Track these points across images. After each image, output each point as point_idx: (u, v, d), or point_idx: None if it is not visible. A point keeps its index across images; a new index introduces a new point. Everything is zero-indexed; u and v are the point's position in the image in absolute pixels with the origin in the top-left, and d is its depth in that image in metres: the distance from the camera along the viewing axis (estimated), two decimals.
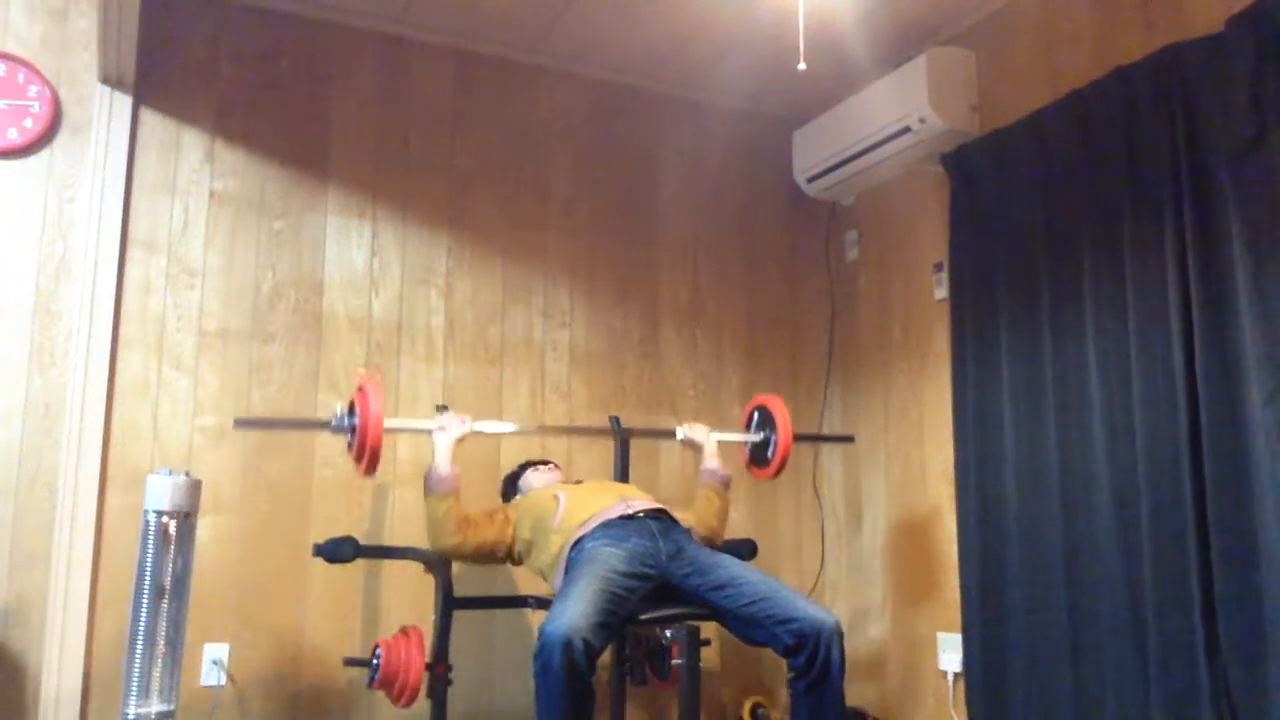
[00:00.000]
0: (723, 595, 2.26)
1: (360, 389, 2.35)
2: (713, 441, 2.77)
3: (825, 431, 3.68)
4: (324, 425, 2.42)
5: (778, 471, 2.82)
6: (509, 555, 2.54)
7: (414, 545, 2.80)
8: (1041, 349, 2.71)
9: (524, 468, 2.85)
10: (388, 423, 2.34)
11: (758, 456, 2.88)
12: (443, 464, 2.40)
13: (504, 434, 3.09)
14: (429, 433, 2.47)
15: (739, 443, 2.92)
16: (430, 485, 2.41)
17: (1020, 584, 2.72)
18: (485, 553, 2.48)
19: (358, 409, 2.33)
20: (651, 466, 3.34)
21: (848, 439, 3.45)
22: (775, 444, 2.79)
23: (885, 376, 3.44)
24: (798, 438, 2.84)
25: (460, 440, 2.45)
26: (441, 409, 2.81)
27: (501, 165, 3.33)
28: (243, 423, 2.37)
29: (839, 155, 3.32)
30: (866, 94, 3.22)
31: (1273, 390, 2.11)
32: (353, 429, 2.34)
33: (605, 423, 3.17)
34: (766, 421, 2.85)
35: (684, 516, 2.58)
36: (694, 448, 2.80)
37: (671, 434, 2.84)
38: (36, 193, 2.74)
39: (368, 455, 2.29)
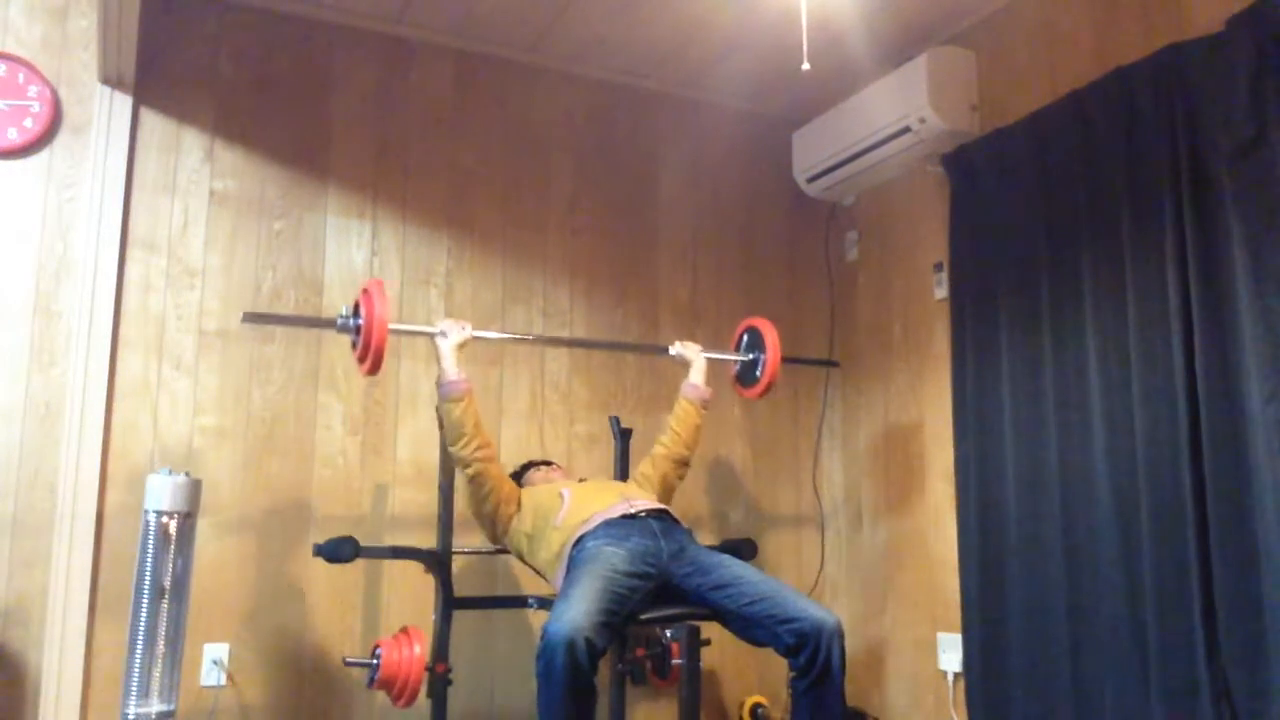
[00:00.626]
0: (724, 595, 2.26)
1: (365, 291, 2.44)
2: (702, 359, 2.88)
3: (823, 436, 3.68)
4: (330, 324, 2.50)
5: (765, 391, 2.93)
6: (502, 526, 2.55)
7: (414, 545, 2.80)
8: (1041, 349, 2.71)
9: (526, 467, 2.85)
10: (391, 324, 2.44)
11: (745, 376, 3.00)
12: (450, 369, 2.49)
13: (505, 339, 3.14)
14: (431, 336, 2.55)
15: (729, 361, 3.03)
16: (444, 390, 2.48)
17: (1020, 584, 2.72)
18: (488, 490, 2.51)
19: (363, 309, 2.42)
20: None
21: (832, 363, 3.59)
22: (764, 364, 2.91)
23: (885, 376, 3.44)
24: (785, 359, 2.94)
25: (461, 345, 2.53)
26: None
27: (501, 165, 3.33)
28: (251, 317, 2.46)
29: (839, 155, 3.32)
30: (866, 94, 3.22)
31: (1273, 390, 2.11)
32: (358, 329, 2.43)
33: (605, 424, 3.17)
34: (756, 343, 2.96)
35: (663, 439, 2.77)
36: (684, 364, 2.89)
37: (664, 350, 2.94)
38: (36, 193, 2.74)
39: (372, 355, 2.39)
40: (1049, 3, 2.89)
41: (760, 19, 3.09)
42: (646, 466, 2.77)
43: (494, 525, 2.57)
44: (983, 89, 3.07)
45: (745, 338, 3.02)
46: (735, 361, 3.02)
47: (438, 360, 2.52)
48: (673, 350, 2.91)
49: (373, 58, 3.19)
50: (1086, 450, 2.56)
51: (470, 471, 2.50)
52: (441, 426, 2.55)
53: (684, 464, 2.81)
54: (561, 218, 3.40)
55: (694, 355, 2.88)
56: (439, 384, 2.50)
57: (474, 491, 2.53)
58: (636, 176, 3.55)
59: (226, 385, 2.87)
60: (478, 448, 2.48)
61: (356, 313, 2.46)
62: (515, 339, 3.19)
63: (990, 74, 3.06)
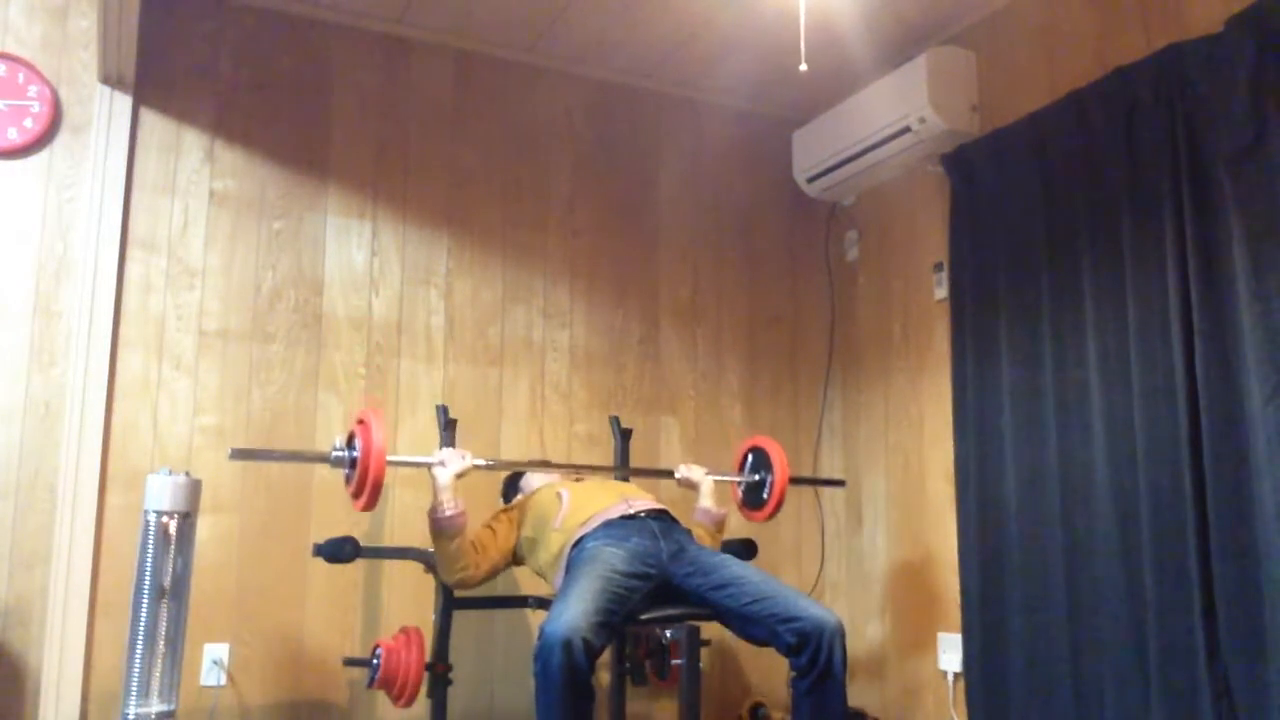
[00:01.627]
0: (724, 595, 2.26)
1: (361, 420, 2.25)
2: (709, 482, 2.74)
3: (823, 436, 3.68)
4: (323, 458, 2.33)
5: (772, 514, 2.79)
6: (505, 566, 2.55)
7: (414, 545, 2.80)
8: (1041, 349, 2.71)
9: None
10: (390, 457, 2.25)
11: (752, 498, 2.85)
12: (447, 504, 2.35)
13: (497, 463, 2.87)
14: (429, 467, 2.39)
15: (734, 483, 2.88)
16: (438, 526, 2.36)
17: (1020, 584, 2.72)
18: (492, 574, 2.50)
19: (359, 441, 2.22)
20: (650, 464, 3.33)
21: (839, 483, 3.45)
22: (771, 485, 2.76)
23: (885, 376, 3.44)
24: (793, 480, 2.83)
25: (460, 475, 2.40)
26: (442, 409, 2.81)
27: (501, 165, 3.33)
28: (239, 453, 2.26)
29: (839, 155, 3.32)
30: (866, 94, 3.22)
31: (1273, 390, 2.11)
32: (353, 462, 2.24)
33: (606, 425, 3.17)
34: (762, 463, 2.82)
35: None
36: (690, 487, 2.76)
37: (669, 474, 2.80)
38: (36, 193, 2.74)
39: (369, 490, 2.19)
40: (1049, 3, 2.89)
41: (760, 19, 3.09)
42: None
43: (517, 565, 2.58)
44: (983, 89, 3.07)
45: (750, 458, 2.87)
46: (740, 483, 2.87)
47: (433, 490, 2.37)
48: (678, 474, 2.76)
49: (373, 58, 3.19)
50: (1086, 450, 2.55)
51: (472, 584, 2.46)
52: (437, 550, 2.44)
53: None
54: (561, 218, 3.40)
55: (700, 478, 2.74)
56: (432, 517, 2.36)
57: (489, 579, 2.50)
58: (636, 176, 3.55)
59: (226, 385, 2.87)
60: (469, 577, 2.42)
61: (351, 444, 2.26)
62: (518, 465, 2.95)
63: (990, 74, 3.06)
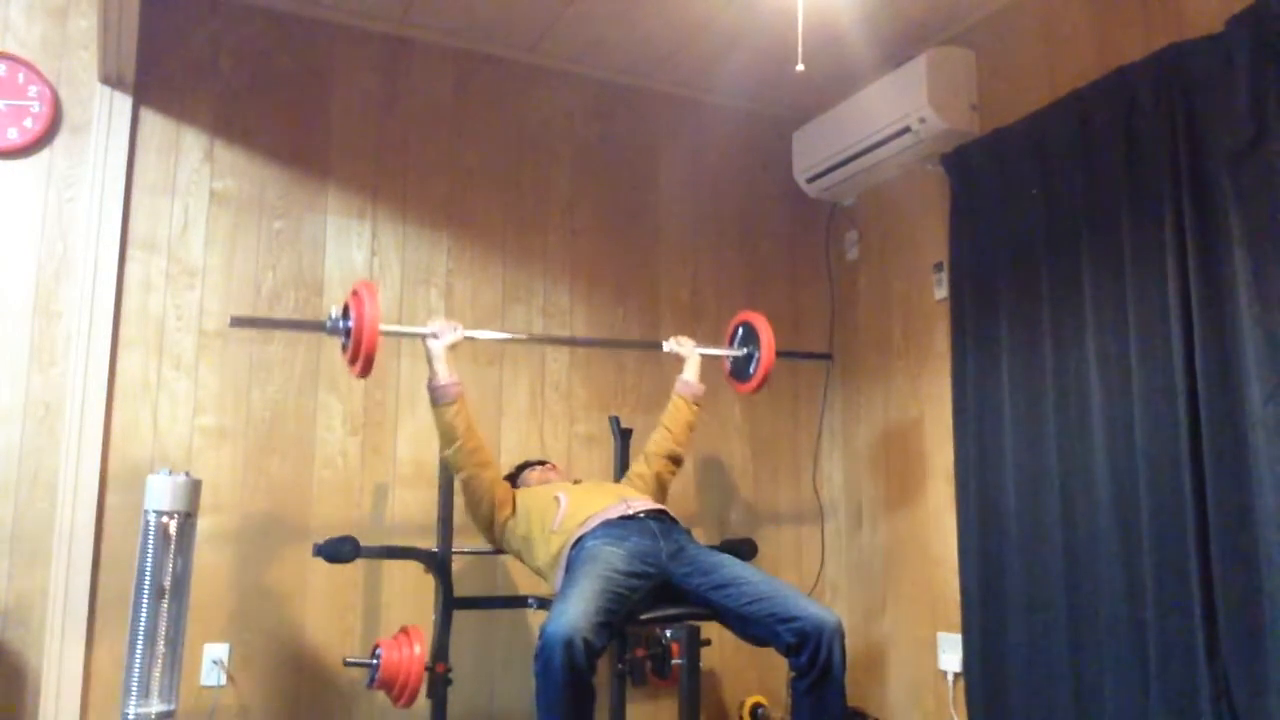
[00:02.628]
0: (724, 594, 2.26)
1: (354, 292, 2.39)
2: (697, 355, 2.87)
3: (823, 435, 3.68)
4: (319, 326, 2.47)
5: (759, 386, 2.92)
6: (496, 529, 2.56)
7: (414, 545, 2.80)
8: (1041, 349, 2.71)
9: (521, 468, 2.85)
10: (382, 326, 2.39)
11: (739, 371, 2.99)
12: (441, 372, 2.45)
13: (499, 339, 3.08)
14: (422, 337, 2.50)
15: (723, 356, 3.01)
16: (435, 395, 2.45)
17: (1020, 584, 2.72)
18: (482, 495, 2.51)
19: (353, 311, 2.37)
20: None
21: (825, 356, 3.59)
22: (758, 359, 2.89)
23: (885, 376, 3.44)
24: (779, 354, 2.93)
25: (453, 346, 2.50)
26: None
27: (501, 165, 3.33)
28: (239, 320, 2.44)
29: (839, 155, 3.32)
30: (866, 94, 3.22)
31: (1273, 390, 2.11)
32: (348, 331, 2.39)
33: (605, 424, 3.17)
34: (750, 337, 2.95)
35: (656, 436, 2.78)
36: (679, 359, 2.89)
37: (658, 346, 2.94)
38: (36, 193, 2.74)
39: (362, 357, 2.35)
40: (1049, 3, 2.89)
41: (760, 19, 3.09)
42: (640, 465, 2.78)
43: (489, 528, 2.58)
44: (983, 89, 3.07)
45: (740, 332, 3.01)
46: (729, 356, 3.01)
47: (428, 362, 2.49)
48: (667, 346, 2.90)
49: (373, 58, 3.19)
50: (1086, 450, 2.55)
51: (463, 475, 2.50)
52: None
53: (677, 461, 2.81)
54: (561, 218, 3.40)
55: (688, 351, 2.87)
56: (429, 387, 2.47)
57: (468, 496, 2.53)
58: (636, 176, 3.55)
59: (226, 385, 2.87)
60: (471, 451, 2.47)
61: (346, 315, 2.42)
62: (510, 339, 3.16)
63: (990, 74, 3.06)
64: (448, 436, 2.46)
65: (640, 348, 3.35)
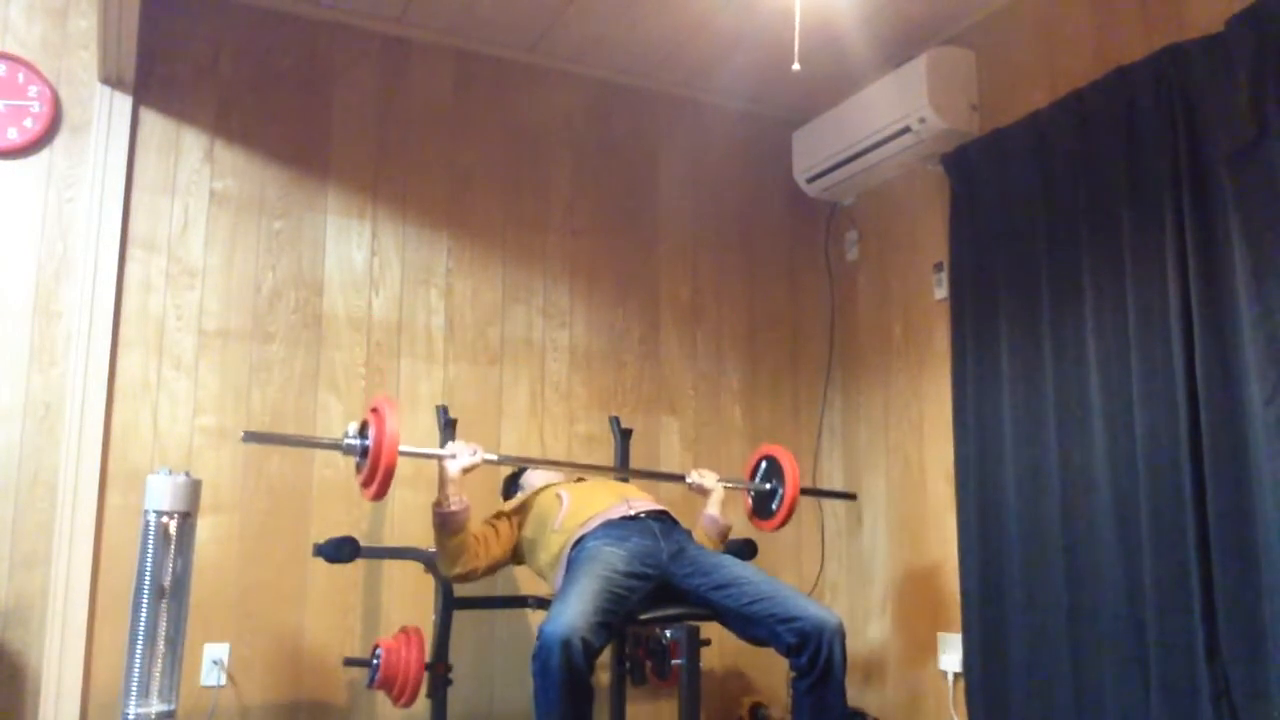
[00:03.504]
0: (724, 595, 2.26)
1: (375, 409, 2.23)
2: (720, 490, 2.73)
3: (823, 435, 3.68)
4: (335, 445, 2.31)
5: (782, 524, 2.80)
6: (504, 563, 2.55)
7: (414, 545, 2.80)
8: (1041, 349, 2.71)
9: (523, 468, 2.85)
10: (402, 447, 2.22)
11: (761, 507, 2.86)
12: (453, 498, 2.32)
13: (506, 458, 2.85)
14: (439, 459, 2.37)
15: (745, 490, 2.90)
16: (442, 521, 2.33)
17: (1020, 584, 2.72)
18: (498, 568, 2.50)
19: (373, 430, 2.20)
20: (650, 464, 3.33)
21: (850, 496, 3.41)
22: (782, 496, 2.77)
23: (885, 376, 3.44)
24: (804, 491, 2.83)
25: (468, 470, 2.36)
26: (442, 409, 2.82)
27: (501, 165, 3.33)
28: (251, 436, 2.25)
29: (839, 155, 3.32)
30: (866, 94, 3.22)
31: (1273, 390, 2.11)
32: (364, 450, 2.22)
33: (606, 424, 3.17)
34: (774, 472, 2.83)
35: None
36: (701, 493, 2.75)
37: (680, 478, 2.80)
38: (36, 193, 2.74)
39: (379, 479, 2.17)
40: (1049, 3, 2.89)
41: (760, 19, 3.09)
42: None
43: (513, 562, 2.57)
44: (983, 89, 3.07)
45: (763, 465, 2.88)
46: (751, 490, 2.89)
47: (440, 484, 2.35)
48: (689, 479, 2.75)
49: (373, 57, 3.19)
50: (1086, 450, 2.55)
51: (472, 579, 2.45)
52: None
53: None
54: (561, 218, 3.40)
55: (711, 484, 2.72)
56: (436, 509, 2.34)
57: (478, 577, 2.47)
58: (636, 176, 3.55)
59: (226, 385, 2.87)
60: (470, 571, 2.40)
61: (364, 433, 2.24)
62: (526, 460, 2.97)
63: (990, 74, 3.06)
64: (450, 562, 2.37)
65: (662, 479, 3.13)
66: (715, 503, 2.71)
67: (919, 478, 3.25)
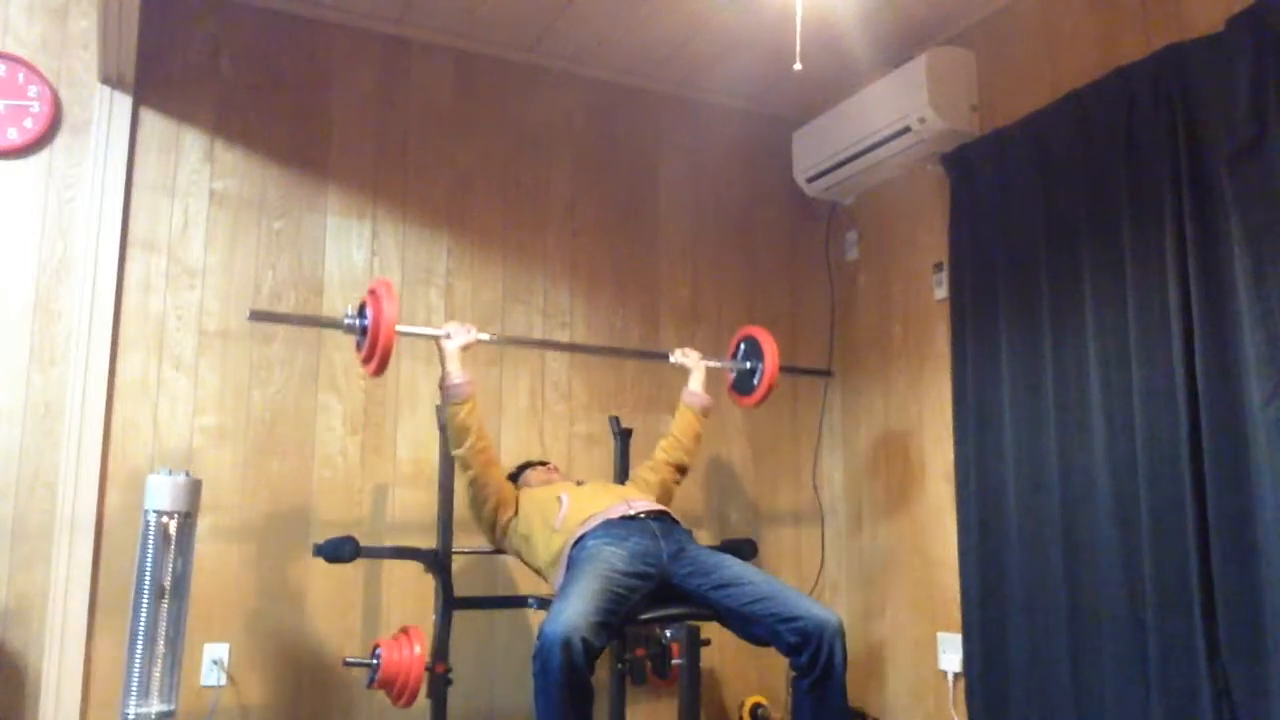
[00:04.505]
0: (725, 594, 2.26)
1: (372, 291, 2.41)
2: (702, 367, 2.91)
3: (823, 435, 3.68)
4: (336, 324, 2.48)
5: (762, 400, 2.97)
6: (499, 528, 2.57)
7: (414, 545, 2.80)
8: (1041, 349, 2.71)
9: (523, 468, 2.86)
10: (399, 326, 2.41)
11: (742, 384, 3.03)
12: (455, 372, 2.48)
13: (507, 337, 3.19)
14: (436, 339, 2.54)
15: (727, 369, 3.06)
16: (448, 394, 2.48)
17: (1020, 584, 2.72)
18: (487, 494, 2.53)
19: (370, 310, 2.39)
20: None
21: (825, 372, 3.59)
22: (761, 372, 2.94)
23: (885, 376, 3.44)
24: (782, 368, 2.96)
25: (466, 348, 2.53)
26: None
27: (501, 165, 3.33)
28: (258, 315, 2.48)
29: (839, 155, 3.32)
30: (866, 94, 3.22)
31: (1273, 390, 2.11)
32: (363, 329, 2.41)
33: (606, 424, 3.17)
34: (753, 351, 2.99)
35: (663, 445, 2.81)
36: (684, 371, 2.92)
37: (664, 356, 2.97)
38: (36, 193, 2.74)
39: (378, 356, 2.37)
40: (1049, 3, 2.89)
41: (760, 18, 3.09)
42: (646, 471, 2.79)
43: (492, 528, 2.58)
44: (983, 89, 3.07)
45: (743, 346, 3.05)
46: (733, 369, 3.04)
47: (441, 362, 2.52)
48: (673, 358, 2.93)
49: (373, 57, 3.19)
50: (1086, 450, 2.56)
51: (471, 474, 2.51)
52: (443, 428, 2.55)
53: (683, 470, 2.84)
54: (561, 218, 3.40)
55: (694, 363, 2.91)
56: (442, 386, 2.50)
57: (473, 494, 2.54)
58: (636, 177, 3.55)
59: (226, 385, 2.87)
60: (480, 450, 2.50)
61: (363, 313, 2.44)
62: (517, 341, 3.19)
63: (990, 74, 3.06)
64: (459, 435, 2.48)
65: (645, 358, 3.35)
66: (697, 378, 2.89)
67: (919, 478, 3.25)
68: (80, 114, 2.79)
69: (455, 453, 2.52)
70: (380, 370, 2.41)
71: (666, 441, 2.83)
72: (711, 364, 2.96)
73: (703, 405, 2.86)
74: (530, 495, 2.62)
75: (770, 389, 2.93)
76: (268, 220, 2.99)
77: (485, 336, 2.63)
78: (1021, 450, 2.75)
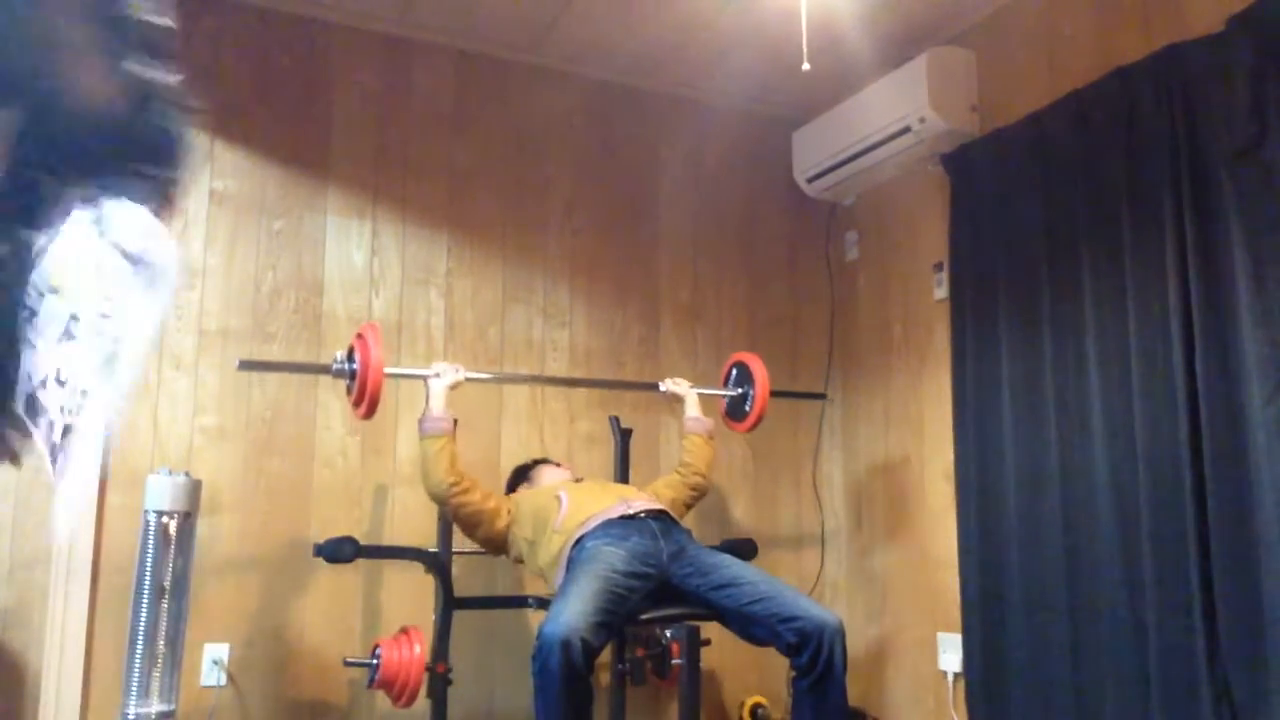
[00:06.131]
0: (724, 594, 2.26)
1: (360, 335, 2.45)
2: (694, 394, 2.91)
3: (823, 435, 3.68)
4: (325, 369, 2.52)
5: (754, 425, 2.98)
6: (500, 542, 2.56)
7: (414, 545, 2.80)
8: (1041, 349, 2.71)
9: (537, 463, 2.87)
10: (387, 369, 2.45)
11: (735, 410, 3.04)
12: (436, 408, 2.50)
13: (494, 375, 3.17)
14: (425, 379, 2.56)
15: (719, 396, 3.06)
16: (425, 428, 2.49)
17: (1020, 584, 2.72)
18: (474, 517, 2.50)
19: (358, 355, 2.43)
20: (650, 463, 3.33)
21: (820, 396, 3.57)
22: (753, 398, 2.95)
23: (885, 376, 3.44)
24: (774, 394, 2.97)
25: (453, 387, 2.56)
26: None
27: (501, 165, 3.33)
28: (247, 364, 2.52)
29: (839, 155, 3.32)
30: (866, 94, 3.22)
31: (1273, 390, 2.11)
32: (353, 374, 2.45)
33: (606, 424, 3.17)
34: (745, 377, 3.01)
35: (681, 474, 2.78)
36: (676, 400, 2.93)
37: (654, 387, 2.99)
38: None
39: (367, 400, 2.40)
40: (1049, 3, 2.89)
41: (760, 19, 3.09)
42: (662, 487, 2.77)
43: (493, 545, 2.58)
44: (983, 89, 3.07)
45: (734, 372, 3.06)
46: (725, 396, 3.06)
47: (426, 399, 2.54)
48: (663, 387, 2.95)
49: (373, 58, 3.19)
50: (1086, 450, 2.55)
51: (450, 509, 2.50)
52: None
53: (701, 492, 2.82)
54: (561, 217, 3.40)
55: (685, 391, 2.91)
56: (421, 420, 2.51)
57: (462, 525, 2.54)
58: (636, 176, 3.55)
59: (226, 385, 2.87)
60: (451, 485, 2.45)
61: (351, 357, 2.46)
62: (506, 379, 3.18)
63: (990, 74, 3.06)
64: (430, 470, 2.46)
65: (636, 389, 3.31)
66: (693, 404, 2.90)
67: (919, 478, 3.25)
68: None
69: (429, 488, 2.49)
70: (370, 413, 2.44)
71: (682, 468, 2.81)
72: (702, 391, 2.97)
73: (708, 429, 2.85)
74: (528, 496, 2.62)
75: (762, 413, 2.94)
76: (268, 220, 2.99)
77: (473, 375, 2.68)
78: (1021, 450, 2.75)
